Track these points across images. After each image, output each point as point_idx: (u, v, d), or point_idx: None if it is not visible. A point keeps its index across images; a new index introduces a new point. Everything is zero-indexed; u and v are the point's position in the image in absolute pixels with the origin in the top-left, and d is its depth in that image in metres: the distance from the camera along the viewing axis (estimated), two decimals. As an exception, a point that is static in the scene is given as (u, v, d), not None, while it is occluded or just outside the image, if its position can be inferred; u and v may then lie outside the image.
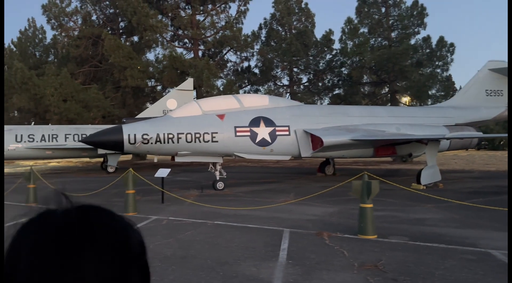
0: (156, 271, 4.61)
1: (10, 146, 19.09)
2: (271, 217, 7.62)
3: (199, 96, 26.18)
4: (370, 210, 5.96)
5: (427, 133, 12.81)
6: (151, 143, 10.90)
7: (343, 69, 27.31)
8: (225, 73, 30.81)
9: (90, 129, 21.40)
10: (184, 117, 11.41)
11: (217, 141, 11.46)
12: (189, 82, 23.92)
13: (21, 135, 19.45)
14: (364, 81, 27.85)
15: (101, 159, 23.92)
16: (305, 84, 30.91)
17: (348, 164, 22.53)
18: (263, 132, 11.95)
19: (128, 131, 10.73)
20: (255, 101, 12.55)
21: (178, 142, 11.11)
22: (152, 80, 30.38)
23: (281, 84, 31.12)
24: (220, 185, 12.13)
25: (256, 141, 11.89)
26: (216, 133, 11.45)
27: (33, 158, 21.47)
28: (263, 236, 6.15)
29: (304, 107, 13.73)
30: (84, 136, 20.92)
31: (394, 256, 4.95)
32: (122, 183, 10.41)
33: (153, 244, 5.82)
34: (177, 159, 11.72)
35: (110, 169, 20.44)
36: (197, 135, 11.29)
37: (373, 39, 25.34)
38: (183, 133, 11.13)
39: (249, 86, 30.84)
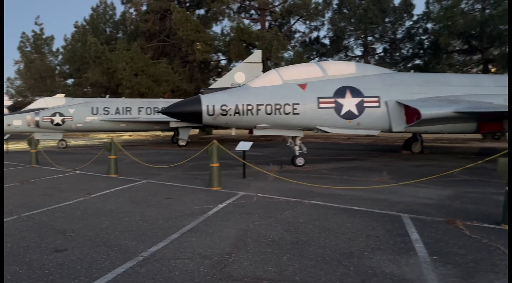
0: (269, 258, 3.84)
1: (87, 118, 19.72)
2: (375, 199, 6.58)
3: (266, 69, 25.21)
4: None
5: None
6: (230, 114, 10.20)
7: (426, 36, 24.66)
8: (292, 44, 29.44)
9: (161, 103, 21.52)
10: (264, 87, 10.53)
11: (298, 113, 10.48)
12: (257, 55, 23.00)
13: (97, 108, 19.98)
14: (452, 49, 24.97)
15: (172, 133, 24.19)
16: (380, 54, 28.61)
17: (430, 141, 20.51)
18: (349, 103, 10.74)
19: (206, 101, 10.11)
20: (341, 69, 11.30)
21: (257, 114, 10.31)
22: (219, 53, 29.89)
23: (353, 55, 29.11)
24: (300, 161, 11.24)
25: (341, 114, 10.73)
26: (298, 104, 10.46)
27: (108, 130, 22.13)
28: (380, 222, 5.15)
29: (396, 75, 12.19)
30: (156, 109, 21.19)
31: None
32: (196, 156, 9.94)
33: (253, 224, 5.09)
34: (256, 133, 10.95)
35: (181, 143, 20.44)
36: (277, 107, 10.39)
37: (464, 2, 22.36)
38: (262, 104, 10.29)
39: (317, 58, 29.23)
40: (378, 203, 6.24)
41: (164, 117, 20.69)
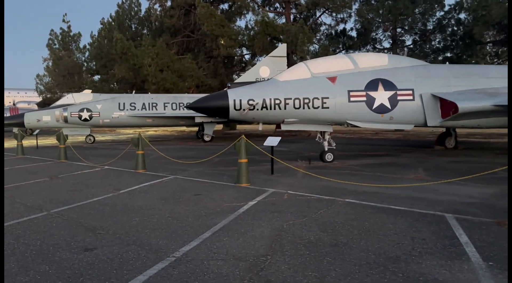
0: (308, 262, 3.58)
1: (114, 113, 19.90)
2: (414, 198, 6.20)
3: (290, 63, 24.79)
4: None
5: None
6: (257, 109, 9.96)
7: (458, 27, 23.60)
8: (317, 37, 28.84)
9: (186, 98, 21.51)
10: (292, 81, 10.23)
11: (327, 108, 10.14)
12: (282, 48, 22.62)
13: (124, 104, 20.13)
14: (485, 40, 23.81)
15: (197, 128, 24.21)
16: (409, 46, 27.65)
17: (463, 136, 19.64)
18: (381, 96, 10.31)
19: (233, 96, 9.90)
20: (372, 61, 10.85)
21: (285, 108, 10.03)
22: (243, 48, 29.66)
23: (381, 48, 28.23)
24: (329, 156, 10.91)
25: (373, 108, 10.31)
26: (327, 98, 10.11)
27: (135, 126, 22.31)
28: (423, 222, 4.80)
29: (431, 67, 11.62)
30: (181, 104, 21.20)
31: None
32: (222, 152, 9.76)
33: (287, 224, 4.84)
34: (283, 128, 10.67)
35: (206, 138, 20.38)
36: (306, 101, 10.07)
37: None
38: (290, 99, 10.00)
39: (343, 51, 28.53)
40: (418, 202, 5.87)
41: (190, 113, 20.66)
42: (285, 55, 22.58)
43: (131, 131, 36.60)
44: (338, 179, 7.77)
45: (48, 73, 45.82)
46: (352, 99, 10.20)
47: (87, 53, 43.10)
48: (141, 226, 4.92)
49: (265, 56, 29.04)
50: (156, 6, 34.04)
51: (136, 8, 37.87)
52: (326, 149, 10.94)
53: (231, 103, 9.84)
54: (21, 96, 53.95)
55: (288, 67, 24.01)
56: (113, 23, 36.64)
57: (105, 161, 11.65)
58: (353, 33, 28.36)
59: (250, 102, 9.87)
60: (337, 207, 5.69)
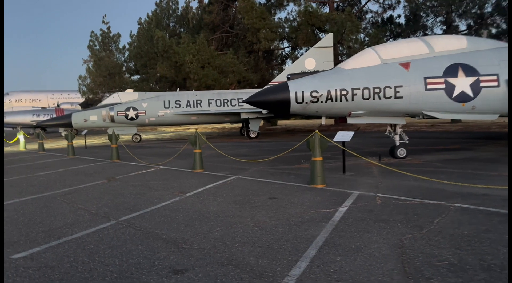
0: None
1: (160, 112, 19.63)
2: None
3: (335, 54, 23.59)
4: None
5: None
6: (321, 101, 9.08)
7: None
8: (363, 26, 27.36)
9: (230, 94, 20.93)
10: (359, 69, 9.25)
11: (401, 97, 9.08)
12: (328, 38, 21.50)
13: (169, 101, 19.80)
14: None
15: (240, 125, 23.62)
16: (464, 32, 25.64)
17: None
18: (462, 83, 9.12)
19: (295, 88, 9.06)
20: (449, 44, 9.64)
21: (352, 100, 9.08)
22: (284, 40, 28.72)
23: (432, 34, 26.38)
24: (401, 152, 9.87)
25: (453, 96, 9.14)
26: (400, 86, 9.06)
27: (180, 124, 22.00)
28: None
29: (518, 48, 10.27)
30: (225, 101, 20.63)
31: None
32: (274, 148, 8.91)
33: (406, 238, 3.94)
34: (350, 121, 9.71)
35: (252, 134, 19.71)
36: (376, 90, 9.07)
37: None
38: (358, 89, 9.04)
39: (391, 39, 26.93)
40: (551, 207, 4.79)
41: (235, 109, 20.13)
42: (332, 45, 21.47)
43: (171, 129, 36.68)
44: (425, 177, 6.75)
45: (88, 74, 46.85)
46: (429, 86, 9.09)
47: (126, 53, 43.66)
48: (227, 238, 4.20)
49: (308, 48, 28.07)
50: (194, 3, 33.76)
51: (173, 6, 37.81)
52: (397, 143, 9.91)
53: (292, 96, 9.02)
54: (64, 97, 55.67)
55: (334, 58, 22.98)
56: (151, 22, 36.74)
57: (158, 161, 11.16)
58: (401, 20, 26.69)
59: (314, 94, 9.01)
60: (452, 214, 4.73)
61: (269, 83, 22.36)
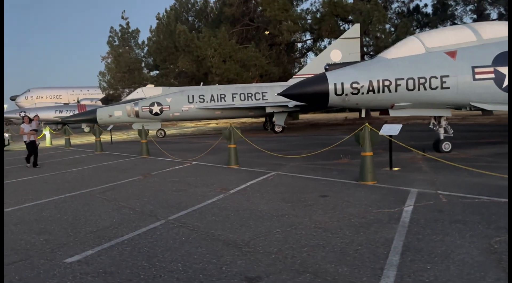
0: None
1: (184, 107, 19.38)
2: None
3: (361, 45, 22.91)
4: None
5: None
6: (362, 93, 8.62)
7: None
8: (388, 16, 26.51)
9: (254, 88, 20.55)
10: (403, 58, 8.75)
11: (448, 88, 8.55)
12: (355, 29, 20.87)
13: (193, 96, 19.55)
14: None
15: (263, 119, 23.26)
16: (494, 20, 24.59)
17: None
18: (513, 72, 8.55)
19: (334, 79, 8.61)
20: (498, 31, 9.02)
21: (396, 91, 8.59)
22: (307, 32, 28.11)
23: (461, 24, 25.40)
24: (446, 146, 9.34)
25: (504, 86, 8.58)
26: (447, 76, 8.52)
27: (203, 119, 21.74)
28: None
29: None
30: (249, 95, 20.26)
31: None
32: (303, 143, 8.50)
33: (496, 242, 3.52)
34: (392, 114, 9.23)
35: (277, 129, 19.31)
36: (422, 81, 8.57)
37: None
38: (402, 79, 8.54)
39: (418, 30, 26.04)
40: None
41: (259, 103, 19.75)
42: (359, 36, 20.85)
43: (192, 124, 36.57)
44: (487, 172, 6.26)
45: (107, 70, 47.00)
46: (477, 76, 8.54)
47: (146, 49, 43.63)
48: (291, 241, 3.86)
49: (331, 40, 27.41)
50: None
51: (192, 0, 37.52)
52: (442, 137, 9.39)
53: (331, 87, 8.58)
54: (84, 93, 56.11)
55: (361, 49, 22.34)
56: (170, 16, 36.54)
57: (188, 156, 10.90)
58: (428, 10, 25.77)
59: (354, 85, 8.56)
60: (534, 214, 4.27)
61: (293, 77, 21.93)
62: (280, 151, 10.95)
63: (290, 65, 31.41)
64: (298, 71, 26.83)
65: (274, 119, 19.48)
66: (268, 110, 19.09)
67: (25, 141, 10.95)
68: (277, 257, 3.47)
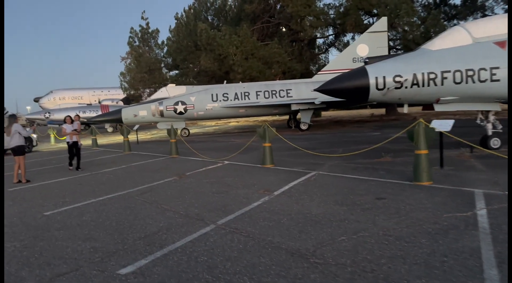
0: None
1: (208, 105, 19.16)
2: None
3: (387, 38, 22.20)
4: None
5: None
6: (406, 87, 8.16)
7: None
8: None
9: (278, 85, 20.16)
10: (448, 49, 8.25)
11: (498, 80, 8.01)
12: (382, 22, 20.20)
13: (216, 94, 19.29)
14: None
15: (287, 117, 22.85)
16: (529, 10, 23.49)
17: None
18: None
19: (374, 73, 8.18)
20: (552, 18, 8.43)
21: (442, 84, 8.10)
22: (329, 27, 27.52)
23: (492, 15, 24.38)
24: (495, 142, 8.77)
25: (559, 77, 7.97)
26: (497, 68, 7.98)
27: (228, 117, 21.46)
28: None
29: None
30: (273, 92, 19.88)
31: None
32: (333, 140, 8.05)
33: None
34: (437, 108, 8.71)
35: (303, 126, 18.86)
36: (470, 73, 8.05)
37: None
38: (449, 72, 8.05)
39: (445, 22, 25.09)
40: None
41: (284, 100, 19.35)
42: (386, 29, 20.18)
43: (213, 123, 36.40)
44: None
45: (127, 71, 47.23)
46: (531, 67, 7.95)
47: (165, 49, 43.69)
48: (363, 251, 3.47)
49: (354, 34, 26.76)
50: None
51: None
52: (490, 133, 8.83)
53: (372, 82, 8.15)
54: (105, 94, 56.81)
55: (388, 44, 21.64)
56: (190, 16, 36.43)
57: (219, 156, 10.60)
58: (456, 1, 24.80)
59: (397, 78, 8.10)
60: None
61: (318, 73, 21.43)
62: (313, 150, 10.55)
63: (311, 62, 30.85)
64: (317, 67, 26.26)
65: (298, 116, 19.05)
66: (293, 107, 18.67)
67: (67, 142, 10.61)
68: (354, 270, 3.10)
